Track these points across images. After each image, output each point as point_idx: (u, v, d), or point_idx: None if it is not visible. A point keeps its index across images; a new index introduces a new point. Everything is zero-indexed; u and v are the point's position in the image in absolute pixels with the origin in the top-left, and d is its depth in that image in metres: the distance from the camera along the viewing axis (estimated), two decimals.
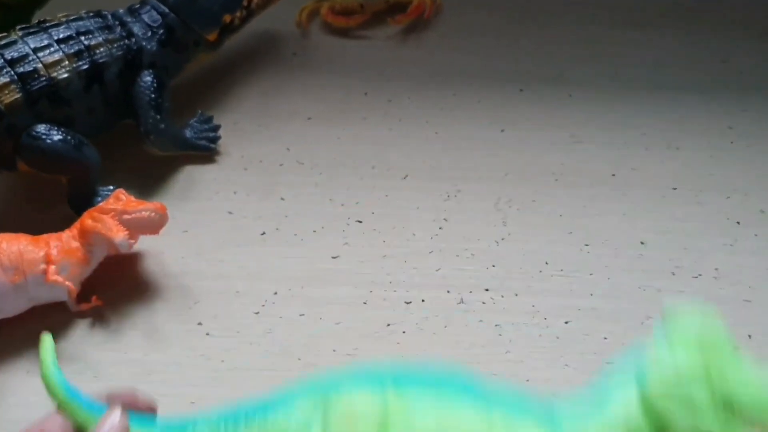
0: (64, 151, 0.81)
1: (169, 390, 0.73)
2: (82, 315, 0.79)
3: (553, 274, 0.82)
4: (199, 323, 0.78)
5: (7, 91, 0.79)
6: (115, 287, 0.81)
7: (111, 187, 0.87)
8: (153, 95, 0.87)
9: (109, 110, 0.86)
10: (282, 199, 0.90)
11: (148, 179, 0.91)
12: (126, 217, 0.78)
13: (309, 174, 0.92)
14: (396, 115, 0.99)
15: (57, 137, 0.80)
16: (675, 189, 0.90)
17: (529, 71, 1.04)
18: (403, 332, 0.77)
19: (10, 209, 0.89)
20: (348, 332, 0.77)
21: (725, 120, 0.98)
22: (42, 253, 0.75)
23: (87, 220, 0.78)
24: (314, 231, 0.86)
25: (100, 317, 0.79)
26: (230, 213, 0.88)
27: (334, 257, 0.84)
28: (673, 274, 0.82)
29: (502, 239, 0.85)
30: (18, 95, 0.80)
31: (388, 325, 0.78)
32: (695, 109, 1.00)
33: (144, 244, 0.84)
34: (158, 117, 0.87)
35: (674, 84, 1.03)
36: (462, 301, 0.79)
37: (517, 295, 0.80)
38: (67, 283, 0.76)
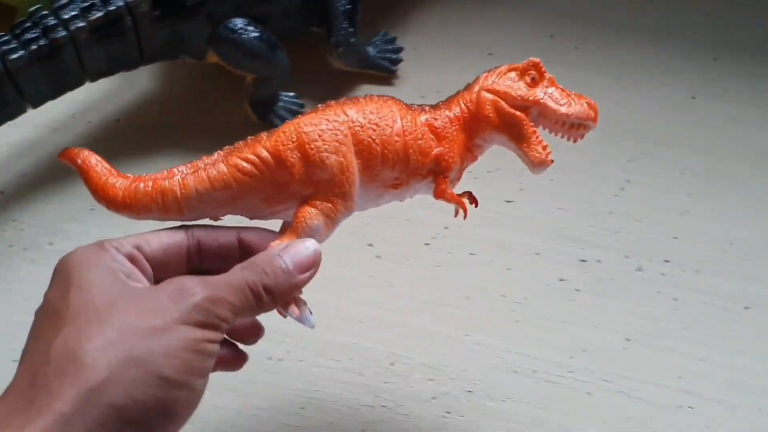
0: (258, 48, 0.79)
1: (336, 303, 0.73)
2: None
3: (737, 256, 0.78)
4: (370, 244, 0.77)
5: None
6: None
7: (292, 93, 0.86)
8: (348, 6, 0.84)
9: (303, 14, 0.84)
10: None
11: (326, 92, 0.88)
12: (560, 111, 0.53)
13: None
14: (582, 65, 0.94)
15: (254, 34, 0.79)
16: None
17: (725, 39, 0.97)
18: (576, 290, 0.75)
19: (185, 102, 0.89)
20: (518, 280, 0.75)
21: None
22: (431, 154, 0.51)
23: (486, 106, 0.52)
24: (488, 171, 0.83)
25: None
26: None
27: (508, 201, 0.81)
28: None
29: (687, 211, 0.81)
30: None
31: (561, 280, 0.75)
32: None
33: None
34: (351, 29, 0.84)
35: None
36: (640, 269, 0.76)
37: (698, 272, 0.76)
38: (465, 203, 0.55)
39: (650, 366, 0.70)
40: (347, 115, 0.50)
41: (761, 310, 0.74)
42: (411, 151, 0.50)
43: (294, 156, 0.48)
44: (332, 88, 0.89)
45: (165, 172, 0.50)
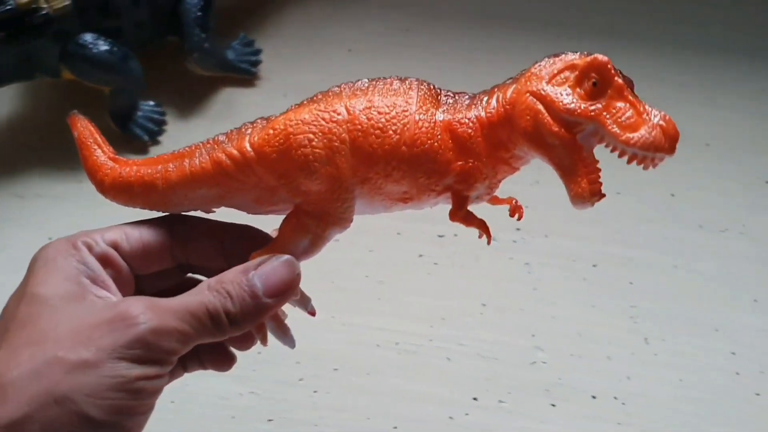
0: (109, 61, 0.81)
1: None
2: None
3: (584, 219, 0.82)
4: None
5: None
6: None
7: (152, 102, 0.88)
8: (199, 13, 0.87)
9: (155, 25, 0.87)
10: None
11: (188, 98, 0.91)
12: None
13: None
14: (437, 53, 0.99)
15: (103, 47, 0.81)
16: (708, 145, 0.91)
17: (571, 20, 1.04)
18: (435, 264, 0.79)
19: (46, 120, 0.91)
20: (380, 260, 0.79)
21: (764, 82, 0.99)
22: (449, 169, 0.41)
23: (526, 117, 0.39)
24: None
25: None
26: None
27: None
28: (701, 227, 0.83)
29: (536, 182, 0.86)
30: (67, 2, 0.80)
31: (420, 256, 0.79)
32: (735, 70, 1.00)
33: None
34: (203, 36, 0.87)
35: (719, 44, 1.03)
36: (493, 239, 0.81)
37: (547, 236, 0.81)
38: (487, 225, 0.47)
39: (505, 327, 0.74)
40: (350, 113, 0.40)
41: (607, 266, 0.79)
42: (421, 165, 0.40)
43: (280, 162, 0.40)
44: (194, 94, 0.92)
45: (155, 157, 0.43)
